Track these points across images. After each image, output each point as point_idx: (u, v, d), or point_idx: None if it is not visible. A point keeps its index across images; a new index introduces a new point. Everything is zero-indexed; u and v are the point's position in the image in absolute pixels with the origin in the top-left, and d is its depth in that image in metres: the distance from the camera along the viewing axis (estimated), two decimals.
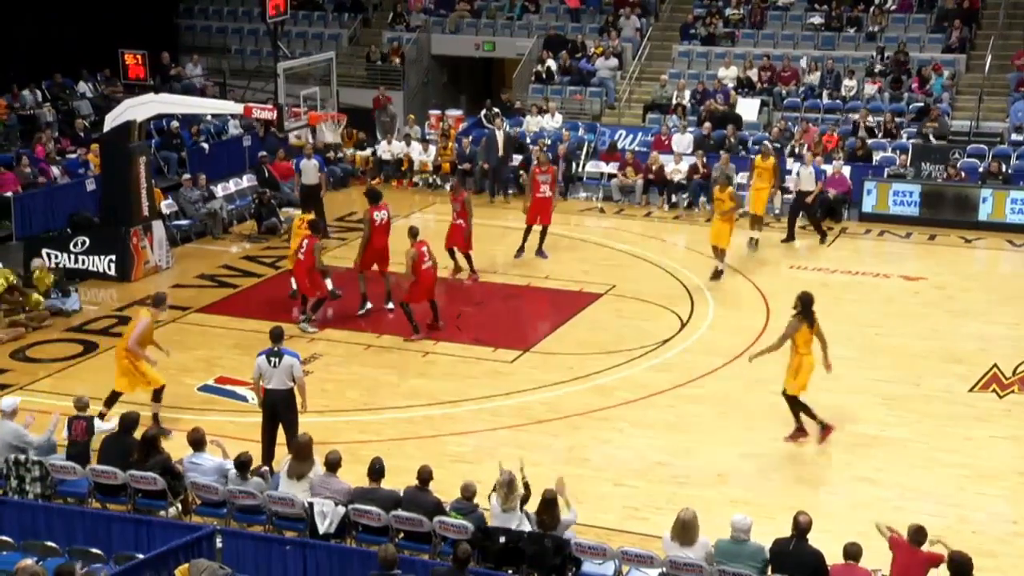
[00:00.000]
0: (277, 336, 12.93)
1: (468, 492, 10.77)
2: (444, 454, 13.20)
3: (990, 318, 17.76)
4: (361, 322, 17.41)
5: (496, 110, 26.48)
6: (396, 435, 13.72)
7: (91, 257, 19.50)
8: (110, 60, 25.09)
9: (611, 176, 24.90)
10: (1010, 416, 14.49)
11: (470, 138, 26.04)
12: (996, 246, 21.70)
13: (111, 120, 19.66)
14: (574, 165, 25.23)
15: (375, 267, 17.63)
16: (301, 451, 11.26)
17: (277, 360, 12.59)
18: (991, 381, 15.43)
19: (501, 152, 24.45)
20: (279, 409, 12.68)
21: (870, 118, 25.16)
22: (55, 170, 22.18)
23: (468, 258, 19.26)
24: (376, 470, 11.04)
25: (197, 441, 11.51)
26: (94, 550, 9.92)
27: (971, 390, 15.23)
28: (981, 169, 23.38)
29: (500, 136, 24.54)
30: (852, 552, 9.63)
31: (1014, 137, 24.65)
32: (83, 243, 19.54)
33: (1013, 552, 11.40)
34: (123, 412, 12.09)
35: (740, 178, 23.78)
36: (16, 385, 15.26)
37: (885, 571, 9.88)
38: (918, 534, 9.72)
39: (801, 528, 9.86)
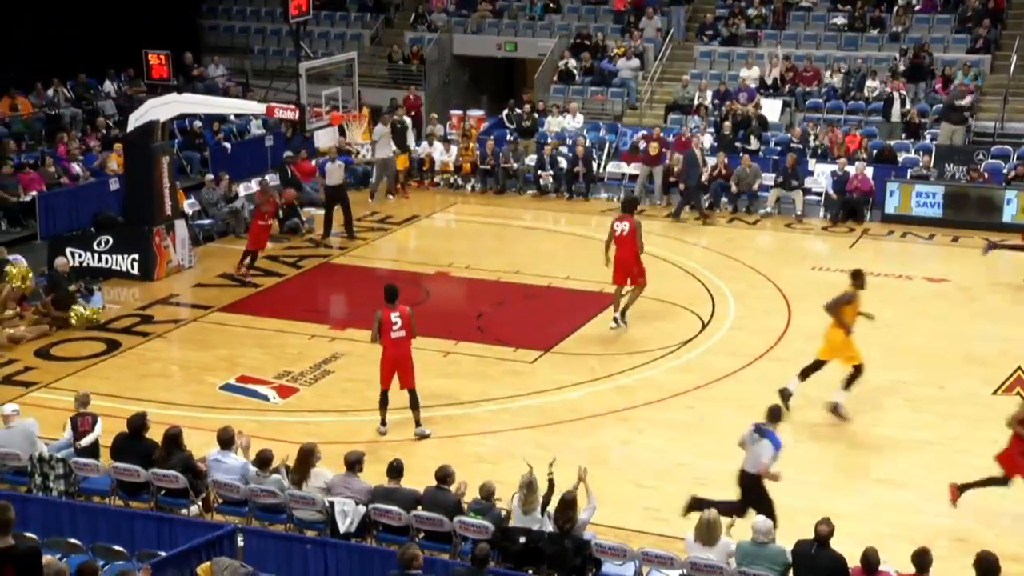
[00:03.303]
0: (774, 416, 11.48)
1: (486, 492, 10.77)
2: (464, 454, 13.19)
3: (1014, 320, 17.64)
4: None
5: (695, 131, 25.19)
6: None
7: (114, 256, 19.57)
8: (134, 60, 25.24)
9: (632, 177, 24.83)
10: None
11: (492, 137, 26.00)
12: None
13: (134, 120, 19.76)
14: (594, 165, 25.19)
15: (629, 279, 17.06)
16: (301, 459, 11.18)
17: (757, 437, 11.26)
18: (1015, 384, 15.32)
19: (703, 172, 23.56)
20: (744, 490, 11.30)
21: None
22: (76, 167, 22.30)
23: (246, 254, 19.54)
24: (395, 468, 11.05)
25: (226, 440, 11.50)
26: (117, 547, 9.97)
27: (995, 393, 15.14)
28: (1005, 170, 23.23)
29: (699, 155, 23.57)
30: (872, 556, 9.56)
31: None
32: (106, 242, 19.61)
33: None
34: (129, 415, 12.06)
35: (766, 179, 23.71)
36: (40, 383, 15.35)
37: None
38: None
39: (821, 538, 9.80)
